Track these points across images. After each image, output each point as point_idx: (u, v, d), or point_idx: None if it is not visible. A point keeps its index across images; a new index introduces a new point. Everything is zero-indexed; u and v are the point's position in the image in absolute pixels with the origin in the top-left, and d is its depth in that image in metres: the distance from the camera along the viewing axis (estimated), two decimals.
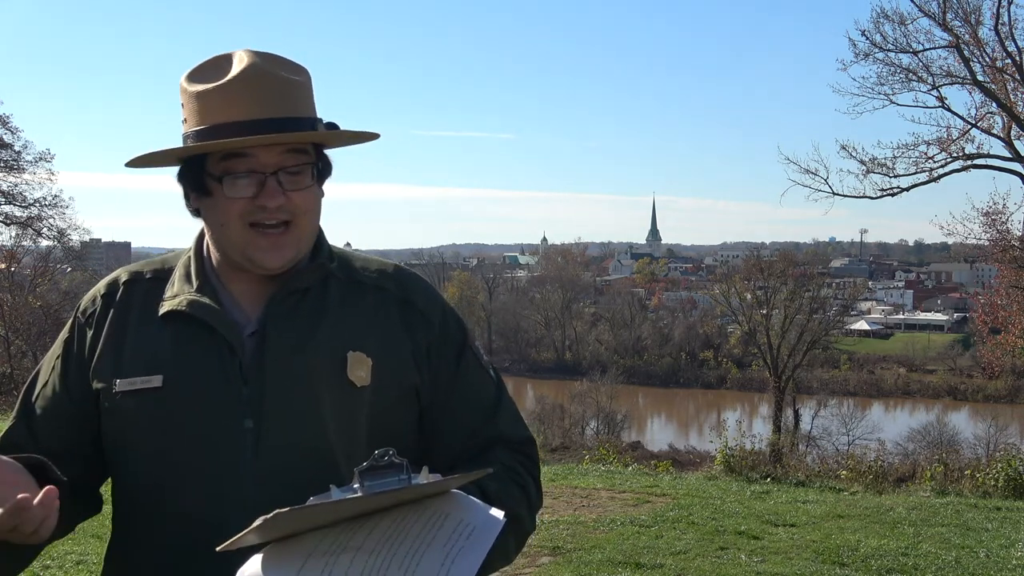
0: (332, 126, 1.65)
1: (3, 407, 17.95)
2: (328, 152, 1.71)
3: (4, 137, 28.08)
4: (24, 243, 30.28)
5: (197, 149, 1.58)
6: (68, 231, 29.94)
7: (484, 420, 1.72)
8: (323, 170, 1.68)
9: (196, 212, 1.67)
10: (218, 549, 1.37)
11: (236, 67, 1.59)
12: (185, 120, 1.62)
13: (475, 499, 1.42)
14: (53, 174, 28.89)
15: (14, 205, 29.15)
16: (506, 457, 1.69)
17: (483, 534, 1.39)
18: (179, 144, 1.62)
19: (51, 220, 29.45)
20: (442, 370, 1.71)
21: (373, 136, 1.73)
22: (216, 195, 1.59)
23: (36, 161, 28.60)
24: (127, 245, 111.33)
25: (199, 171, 1.60)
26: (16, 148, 28.29)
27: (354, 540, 1.37)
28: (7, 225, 29.37)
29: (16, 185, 28.88)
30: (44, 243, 30.84)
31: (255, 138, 1.55)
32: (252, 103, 1.56)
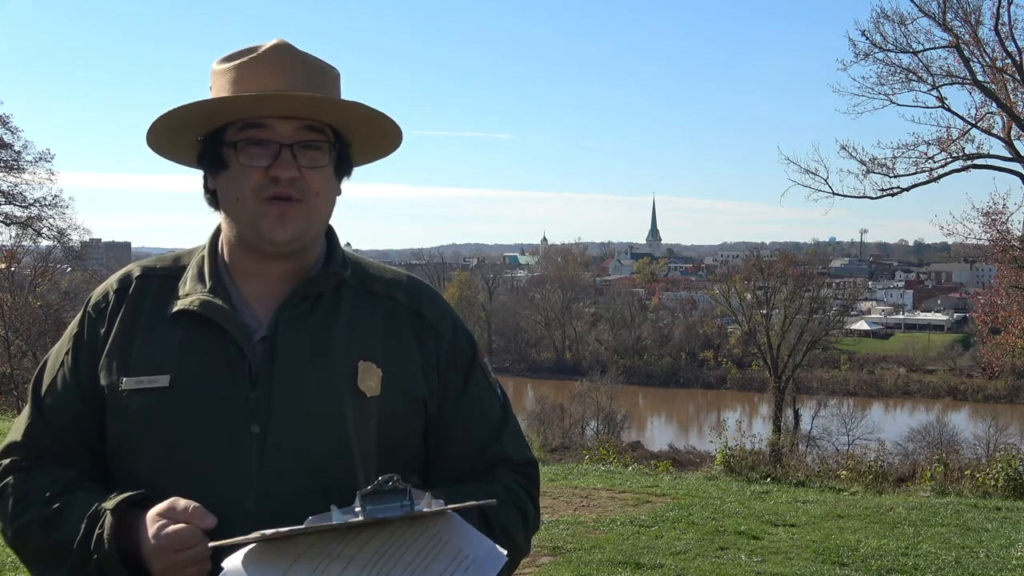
0: (357, 104, 1.65)
1: (3, 407, 17.94)
2: None
3: (4, 137, 28.07)
4: (24, 243, 30.23)
5: (213, 106, 1.59)
6: (68, 231, 29.95)
7: (489, 439, 1.71)
8: (342, 161, 1.67)
9: (213, 198, 1.67)
10: (211, 545, 1.38)
11: (265, 47, 1.62)
12: None
13: (477, 531, 1.41)
14: (53, 174, 28.89)
15: (14, 205, 29.15)
16: (508, 478, 1.69)
17: (483, 568, 1.36)
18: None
19: (51, 220, 29.46)
20: (450, 384, 1.70)
21: (394, 132, 1.70)
22: (232, 166, 1.60)
23: (36, 161, 28.60)
24: (127, 245, 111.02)
25: (218, 144, 1.61)
26: (16, 148, 28.28)
27: (347, 550, 1.35)
28: (7, 225, 29.37)
29: (16, 185, 28.89)
30: (44, 243, 30.82)
31: (270, 95, 1.56)
32: (277, 76, 1.58)
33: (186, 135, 1.65)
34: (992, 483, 10.98)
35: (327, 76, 1.65)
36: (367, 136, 1.71)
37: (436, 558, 1.36)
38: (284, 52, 1.61)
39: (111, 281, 1.74)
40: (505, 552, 1.41)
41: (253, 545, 1.37)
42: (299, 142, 1.59)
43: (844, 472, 13.04)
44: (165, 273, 1.71)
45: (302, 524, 1.34)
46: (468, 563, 1.36)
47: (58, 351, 1.71)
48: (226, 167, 1.61)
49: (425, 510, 1.35)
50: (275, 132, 1.58)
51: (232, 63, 1.62)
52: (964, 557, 6.75)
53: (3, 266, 27.85)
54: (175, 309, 1.64)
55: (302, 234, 1.61)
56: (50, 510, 1.56)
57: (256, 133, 1.58)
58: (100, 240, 72.43)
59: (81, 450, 1.64)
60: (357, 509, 1.34)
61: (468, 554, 1.38)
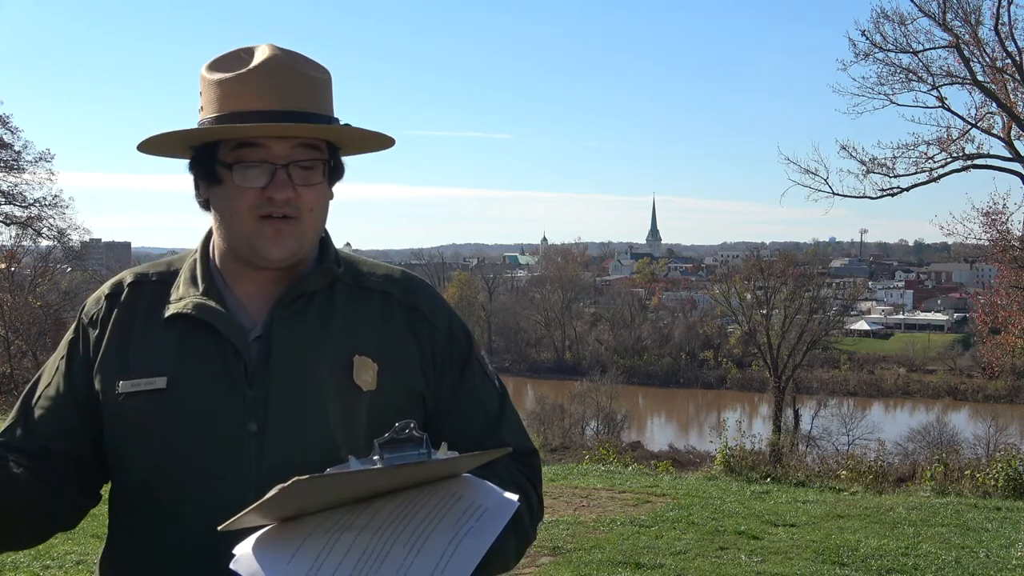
0: (348, 126, 1.65)
1: (3, 407, 17.97)
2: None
3: (4, 137, 28.06)
4: (24, 243, 30.23)
5: (210, 134, 1.58)
6: (68, 231, 29.94)
7: (488, 430, 1.72)
8: (335, 170, 1.68)
9: (206, 204, 1.67)
10: (220, 528, 1.37)
11: (257, 58, 1.60)
12: (202, 108, 1.62)
13: (488, 482, 1.41)
14: (53, 174, 28.89)
15: (14, 205, 29.14)
16: (509, 467, 1.69)
17: (495, 516, 1.37)
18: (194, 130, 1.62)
19: (51, 220, 29.45)
20: (447, 378, 1.70)
21: (388, 141, 1.72)
22: (226, 183, 1.59)
23: (36, 161, 28.60)
24: (127, 245, 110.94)
25: (211, 159, 1.60)
26: (16, 148, 28.27)
27: (359, 519, 1.36)
28: (7, 225, 29.37)
29: (16, 185, 28.87)
30: (44, 243, 30.84)
31: (268, 126, 1.55)
32: (269, 94, 1.57)
33: (178, 146, 1.66)
34: (992, 483, 10.99)
35: (319, 87, 1.63)
36: (360, 146, 1.73)
37: (449, 512, 1.37)
38: (274, 67, 1.59)
39: (104, 288, 1.75)
40: (516, 498, 1.41)
41: (264, 529, 1.37)
42: (294, 161, 1.59)
43: (844, 472, 13.04)
44: (158, 279, 1.72)
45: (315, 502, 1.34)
46: (480, 512, 1.37)
47: (54, 358, 1.73)
48: (220, 183, 1.61)
49: (442, 458, 1.36)
50: (270, 152, 1.57)
51: (221, 75, 1.60)
52: (964, 557, 6.75)
53: (3, 266, 27.88)
54: (169, 313, 1.64)
55: (297, 250, 1.62)
56: None
57: (251, 154, 1.57)
58: (100, 240, 72.47)
59: (60, 456, 1.63)
60: (375, 457, 1.34)
61: (480, 504, 1.38)
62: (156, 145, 1.65)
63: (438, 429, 1.68)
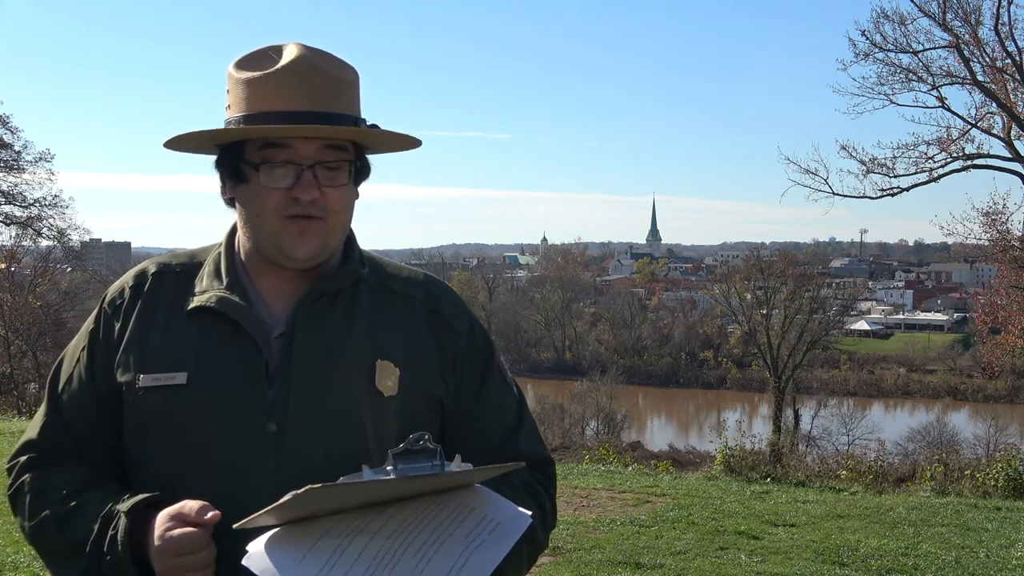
0: (375, 128, 1.66)
1: (3, 407, 17.97)
2: None
3: (4, 137, 28.12)
4: (24, 243, 30.27)
5: (237, 133, 1.59)
6: (68, 231, 29.95)
7: (505, 437, 1.72)
8: (361, 170, 1.68)
9: (231, 202, 1.67)
10: (235, 526, 1.38)
11: (285, 58, 1.60)
12: (229, 106, 1.63)
13: (502, 496, 1.41)
14: (53, 174, 28.94)
15: (14, 205, 29.18)
16: (525, 474, 1.69)
17: (508, 530, 1.38)
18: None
19: (51, 220, 29.48)
20: (467, 384, 1.71)
21: (415, 143, 1.73)
22: (252, 183, 1.60)
23: (36, 161, 28.66)
24: (127, 245, 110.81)
25: (237, 158, 1.61)
26: (16, 148, 28.34)
27: (371, 524, 1.36)
28: (7, 225, 29.41)
29: (16, 185, 28.93)
30: (44, 243, 30.86)
31: (294, 127, 1.56)
32: (297, 94, 1.58)
33: (205, 143, 1.67)
34: (992, 483, 10.99)
35: (346, 87, 1.64)
36: (386, 146, 1.74)
37: (462, 524, 1.38)
38: (302, 67, 1.59)
39: (127, 277, 1.75)
40: (530, 513, 1.42)
41: (277, 528, 1.38)
42: (320, 162, 1.59)
43: (844, 472, 13.04)
44: (181, 269, 1.72)
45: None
46: (493, 526, 1.38)
47: (74, 348, 1.72)
48: (246, 182, 1.61)
49: (455, 470, 1.36)
50: (296, 153, 1.58)
51: (248, 74, 1.61)
52: (964, 557, 6.75)
53: (3, 266, 27.91)
54: (192, 305, 1.64)
55: (321, 249, 1.63)
56: (65, 509, 1.57)
57: (277, 154, 1.58)
58: (100, 240, 72.35)
59: (97, 447, 1.65)
60: (389, 468, 1.34)
61: (493, 517, 1.39)
62: (182, 142, 1.66)
63: (456, 435, 1.68)
